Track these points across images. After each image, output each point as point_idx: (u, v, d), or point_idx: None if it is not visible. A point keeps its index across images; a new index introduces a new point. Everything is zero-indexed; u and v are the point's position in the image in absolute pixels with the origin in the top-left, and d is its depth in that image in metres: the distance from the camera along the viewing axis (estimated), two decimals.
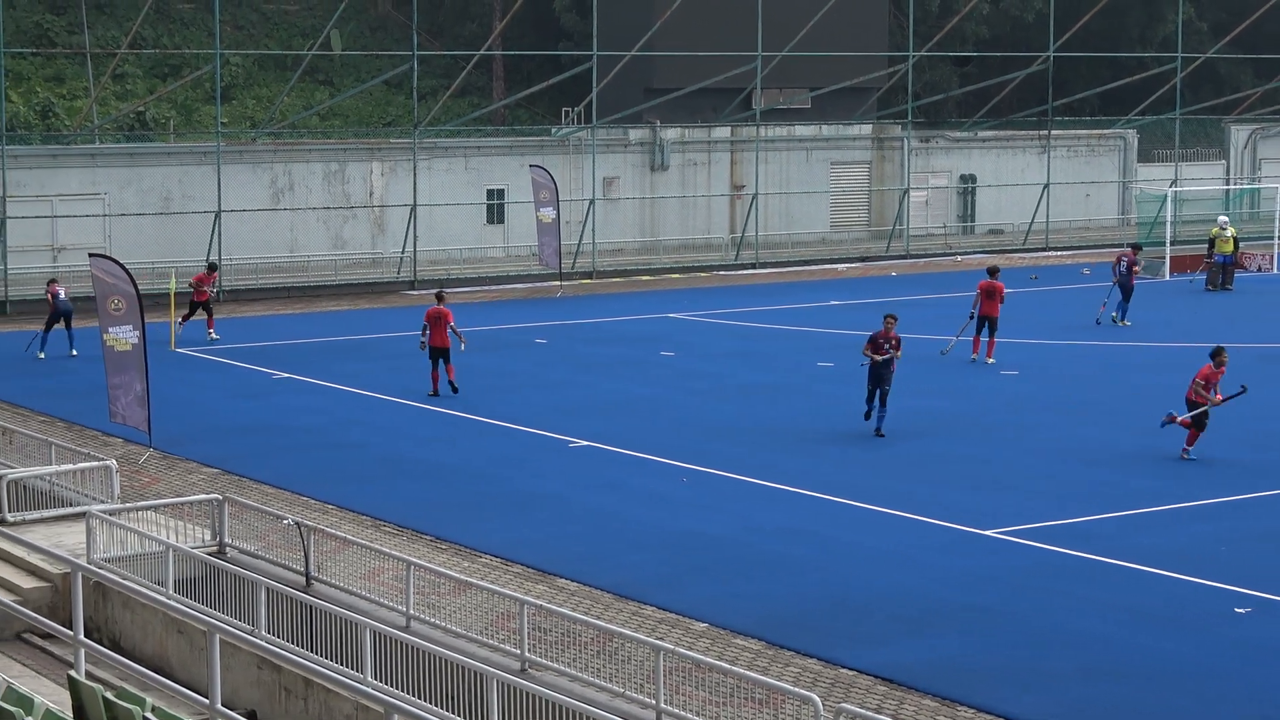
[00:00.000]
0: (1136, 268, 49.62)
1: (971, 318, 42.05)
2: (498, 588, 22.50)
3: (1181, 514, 27.96)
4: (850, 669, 20.72)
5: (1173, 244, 59.91)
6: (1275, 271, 60.97)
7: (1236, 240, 57.69)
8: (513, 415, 35.93)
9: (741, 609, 23.01)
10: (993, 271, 43.15)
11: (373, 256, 60.62)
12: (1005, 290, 42.05)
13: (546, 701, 18.25)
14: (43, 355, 43.52)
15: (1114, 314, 48.68)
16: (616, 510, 28.38)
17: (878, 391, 34.03)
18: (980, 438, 33.66)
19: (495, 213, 62.85)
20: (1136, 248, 51.62)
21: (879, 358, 34.00)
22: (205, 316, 45.99)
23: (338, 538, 24.79)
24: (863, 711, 17.64)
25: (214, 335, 45.92)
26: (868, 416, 34.20)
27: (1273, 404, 36.28)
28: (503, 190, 62.61)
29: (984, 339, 41.96)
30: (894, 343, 34.44)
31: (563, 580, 24.49)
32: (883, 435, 33.56)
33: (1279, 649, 21.40)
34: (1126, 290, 48.92)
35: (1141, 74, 75.80)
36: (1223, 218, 59.03)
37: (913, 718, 19.05)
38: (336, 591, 23.46)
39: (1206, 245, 58.41)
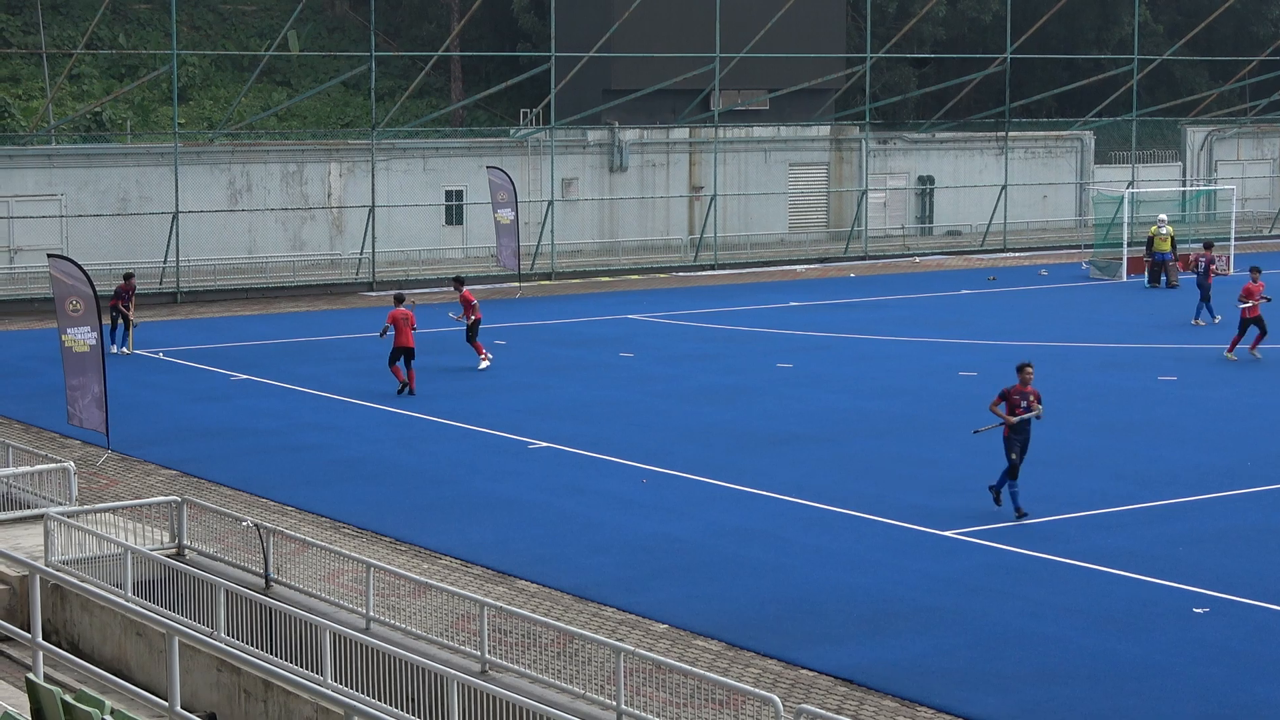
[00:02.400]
0: (1214, 267, 50.66)
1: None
2: (458, 589, 22.48)
3: (1139, 515, 28.04)
4: (810, 670, 20.76)
5: (1130, 245, 60.11)
6: (1232, 272, 61.16)
7: (1174, 239, 57.96)
8: (472, 417, 35.91)
9: (702, 610, 23.03)
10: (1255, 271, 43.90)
11: (331, 258, 60.53)
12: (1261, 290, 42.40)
13: (507, 703, 18.22)
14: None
15: (1196, 318, 49.51)
16: (576, 512, 28.38)
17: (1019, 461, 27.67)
18: (938, 439, 33.72)
19: (454, 214, 62.82)
20: (1209, 245, 52.49)
21: (1014, 419, 27.93)
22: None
23: (297, 540, 24.73)
24: (822, 712, 17.64)
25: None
26: (998, 500, 27.82)
27: (1228, 405, 36.46)
28: (461, 191, 62.57)
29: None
30: (1033, 398, 28.27)
31: (522, 582, 24.49)
32: (1025, 515, 27.55)
33: (1236, 649, 21.49)
34: (1204, 290, 49.61)
35: (1098, 76, 76.09)
36: (1161, 216, 59.33)
37: (872, 718, 19.07)
38: (296, 593, 23.40)
39: (1145, 244, 58.73)
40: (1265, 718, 19.26)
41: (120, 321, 44.04)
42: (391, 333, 38.21)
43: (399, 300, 39.31)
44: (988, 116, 73.82)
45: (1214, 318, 49.15)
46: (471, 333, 41.62)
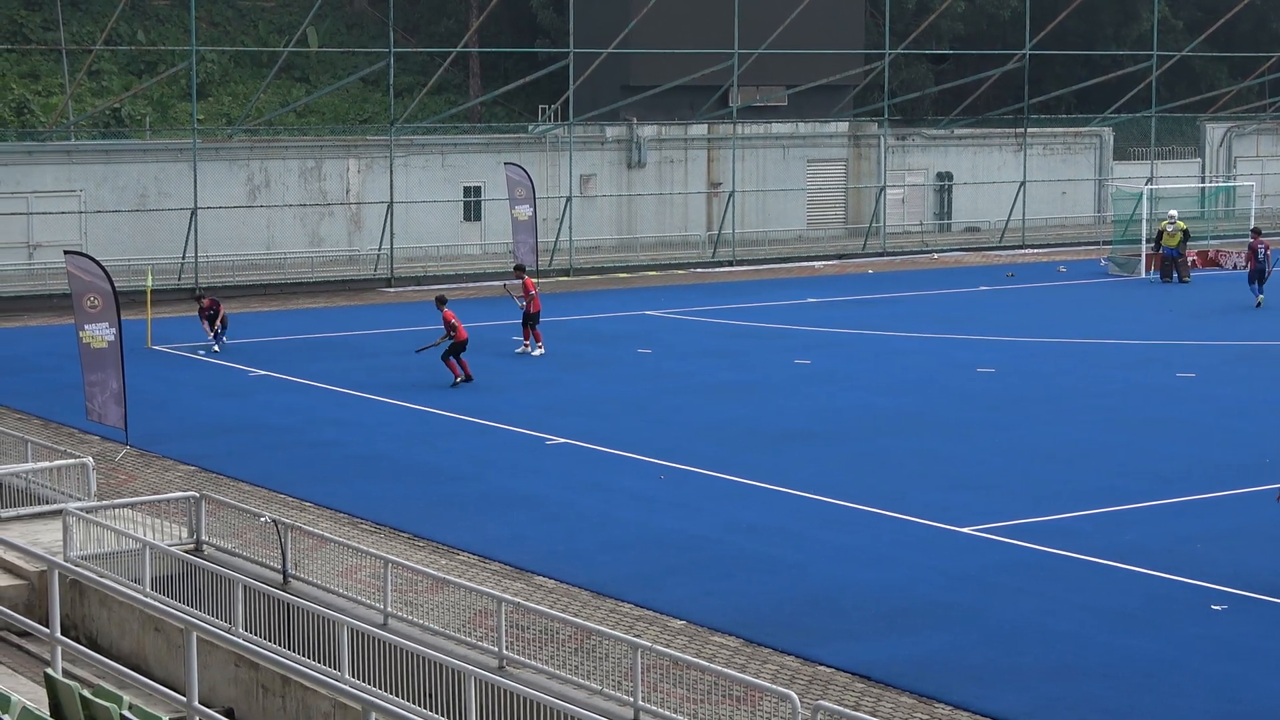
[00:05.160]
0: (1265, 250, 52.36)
1: None
2: (475, 585, 22.51)
3: (1157, 511, 28.01)
4: (828, 666, 20.73)
5: (1148, 242, 60.02)
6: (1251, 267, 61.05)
7: (1186, 233, 57.91)
8: (490, 413, 35.93)
9: (719, 606, 23.02)
10: None
11: (349, 254, 60.58)
12: None
13: (524, 699, 18.26)
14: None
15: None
16: (594, 508, 28.39)
17: None
18: (957, 435, 33.69)
19: (472, 210, 62.84)
20: (1257, 232, 54.11)
21: None
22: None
23: (315, 535, 24.78)
24: (840, 708, 17.66)
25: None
26: None
27: (1246, 402, 36.40)
28: (479, 188, 62.60)
29: None
30: None
31: (540, 578, 24.49)
32: None
33: (1254, 646, 21.46)
34: (1260, 274, 51.57)
35: (1117, 72, 75.97)
36: (1172, 211, 59.30)
37: (890, 715, 19.07)
38: (314, 589, 23.45)
39: (1155, 239, 58.70)
40: (1276, 712, 19.22)
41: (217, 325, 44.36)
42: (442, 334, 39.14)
43: (443, 301, 40.17)
44: (1006, 113, 73.70)
45: (1258, 298, 51.33)
46: (531, 320, 43.13)
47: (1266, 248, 52.14)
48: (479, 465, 31.49)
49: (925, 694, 19.80)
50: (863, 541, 26.30)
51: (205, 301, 44.45)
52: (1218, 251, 62.07)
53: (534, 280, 44.28)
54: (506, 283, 45.34)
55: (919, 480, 29.83)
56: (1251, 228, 57.68)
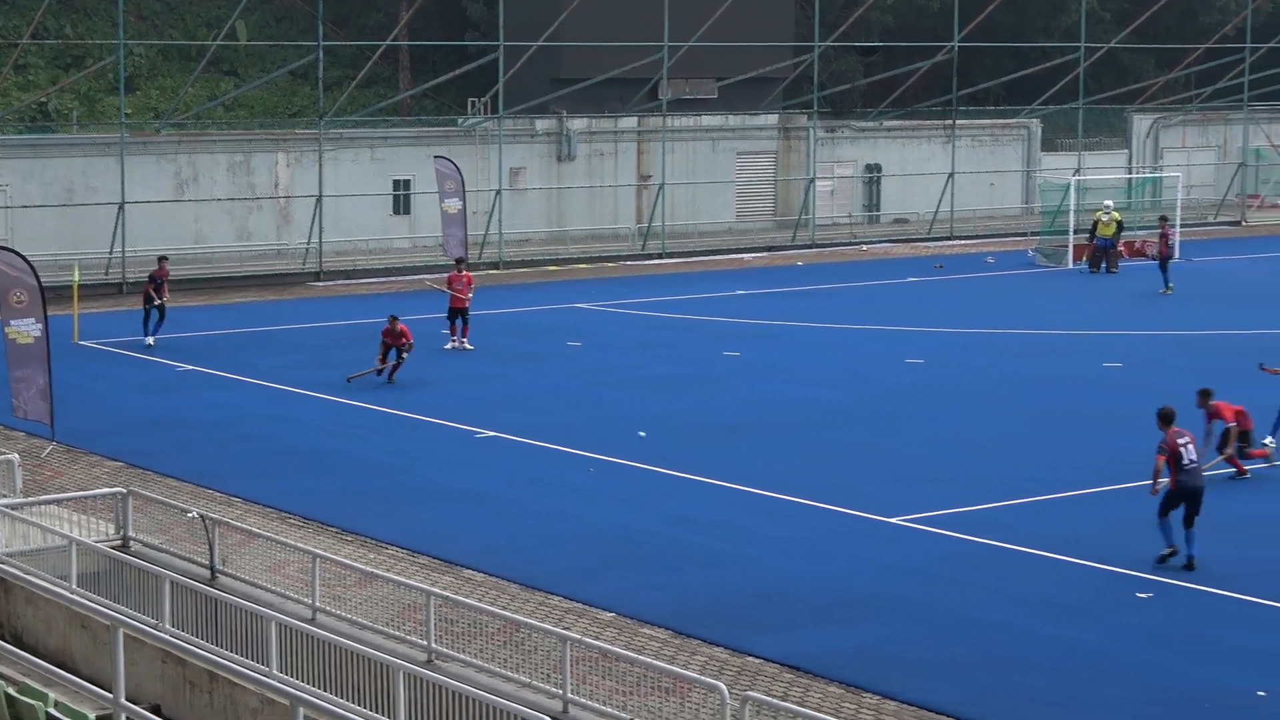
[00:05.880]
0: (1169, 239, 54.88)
1: None
2: (404, 579, 22.49)
3: (1086, 501, 28.21)
4: (757, 657, 20.81)
5: (1076, 232, 60.32)
6: (1178, 258, 61.43)
7: (1120, 224, 58.33)
8: (420, 407, 35.87)
9: (649, 599, 23.07)
10: None
11: (278, 248, 60.30)
12: None
13: (453, 693, 18.23)
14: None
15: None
16: (525, 501, 28.37)
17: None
18: (889, 427, 33.80)
19: (401, 203, 62.65)
20: (1164, 219, 56.74)
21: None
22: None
23: (243, 531, 24.70)
24: (769, 699, 17.76)
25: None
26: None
27: (1174, 392, 36.55)
28: (409, 181, 62.40)
29: None
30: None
31: (469, 571, 24.48)
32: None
33: (1180, 634, 21.66)
34: (1163, 261, 53.62)
35: (1045, 64, 76.22)
36: (1107, 201, 59.69)
37: (818, 705, 19.11)
38: (242, 585, 23.36)
39: (1090, 229, 59.11)
40: (1207, 701, 19.39)
41: (152, 308, 43.76)
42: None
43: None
44: (935, 105, 73.92)
45: (1168, 286, 52.47)
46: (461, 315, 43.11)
47: (1169, 236, 53.83)
48: (408, 459, 31.43)
49: (856, 684, 19.91)
50: (797, 534, 26.36)
51: (159, 271, 44.13)
52: (1144, 242, 62.39)
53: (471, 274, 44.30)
54: (431, 279, 44.98)
55: (853, 472, 29.92)
56: (1159, 216, 58.57)
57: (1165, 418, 25.05)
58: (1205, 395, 29.04)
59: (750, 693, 17.86)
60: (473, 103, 66.63)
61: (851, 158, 72.50)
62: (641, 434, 30.42)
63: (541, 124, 65.56)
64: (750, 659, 20.76)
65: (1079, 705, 19.30)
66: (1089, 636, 21.54)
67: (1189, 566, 24.18)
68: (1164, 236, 55.54)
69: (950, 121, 73.02)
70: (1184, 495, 24.50)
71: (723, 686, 17.54)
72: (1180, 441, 24.64)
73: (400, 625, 21.53)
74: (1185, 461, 24.60)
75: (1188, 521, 24.47)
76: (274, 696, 18.66)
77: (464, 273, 43.78)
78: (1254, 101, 79.16)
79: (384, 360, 38.48)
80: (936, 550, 25.53)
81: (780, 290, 54.67)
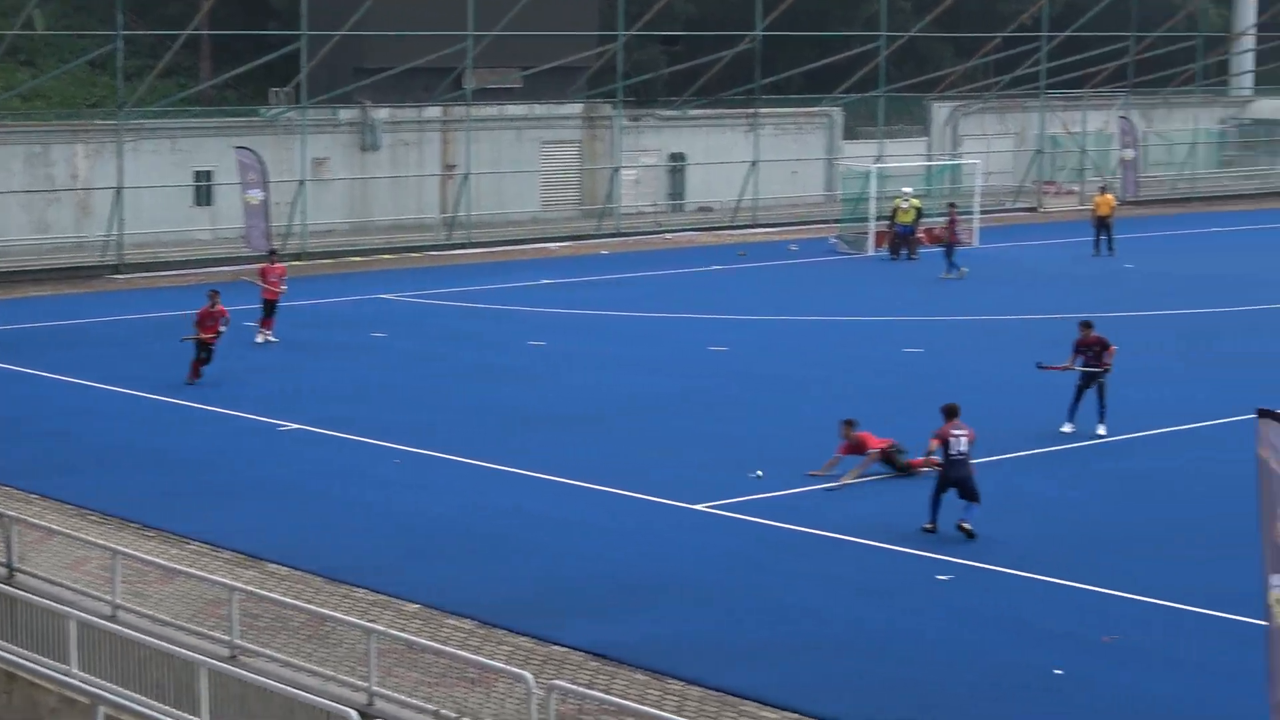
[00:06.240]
0: (957, 225, 56.16)
1: None
2: (206, 574, 22.33)
3: (887, 485, 28.58)
4: (563, 646, 20.86)
5: (877, 220, 60.99)
6: (976, 244, 62.37)
7: (919, 211, 59.11)
8: (223, 401, 35.53)
9: (454, 590, 23.05)
10: None
11: (77, 240, 59.39)
12: None
13: (257, 688, 18.15)
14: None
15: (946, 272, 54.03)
16: (329, 494, 28.24)
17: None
18: (693, 414, 33.99)
19: (203, 195, 61.98)
20: (953, 206, 57.76)
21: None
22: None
23: (41, 528, 24.38)
24: (575, 687, 17.84)
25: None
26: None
27: (973, 376, 37.13)
28: (210, 172, 61.72)
29: None
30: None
31: (273, 565, 24.33)
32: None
33: (980, 614, 22.02)
34: (950, 247, 54.57)
35: (846, 52, 77.01)
36: (906, 188, 60.51)
37: (624, 692, 19.18)
38: (40, 583, 23.05)
39: (889, 216, 59.89)
40: (1005, 679, 19.74)
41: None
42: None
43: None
44: (738, 94, 74.37)
45: (960, 270, 53.53)
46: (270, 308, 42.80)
47: (956, 222, 55.55)
48: (211, 454, 31.15)
49: (661, 671, 20.00)
50: (602, 522, 26.48)
51: None
52: (943, 228, 63.20)
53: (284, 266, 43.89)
54: (248, 273, 44.48)
55: (657, 459, 30.06)
56: (948, 202, 59.57)
57: (948, 413, 26.14)
58: (850, 424, 29.18)
59: (556, 681, 17.94)
60: (275, 93, 66.05)
61: (656, 147, 72.77)
62: (397, 461, 30.33)
63: (345, 114, 65.16)
64: (556, 648, 20.82)
65: (881, 687, 19.54)
66: (891, 618, 21.84)
67: (965, 531, 25.19)
68: (952, 222, 56.30)
69: (753, 110, 73.52)
70: (950, 482, 25.59)
71: (529, 676, 17.60)
72: (954, 433, 25.67)
73: (203, 621, 21.37)
74: (953, 451, 25.61)
75: (968, 497, 25.44)
76: (74, 695, 18.47)
77: (276, 264, 43.48)
78: (1050, 89, 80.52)
79: (202, 346, 37.77)
80: (741, 536, 25.75)
81: (586, 279, 54.80)
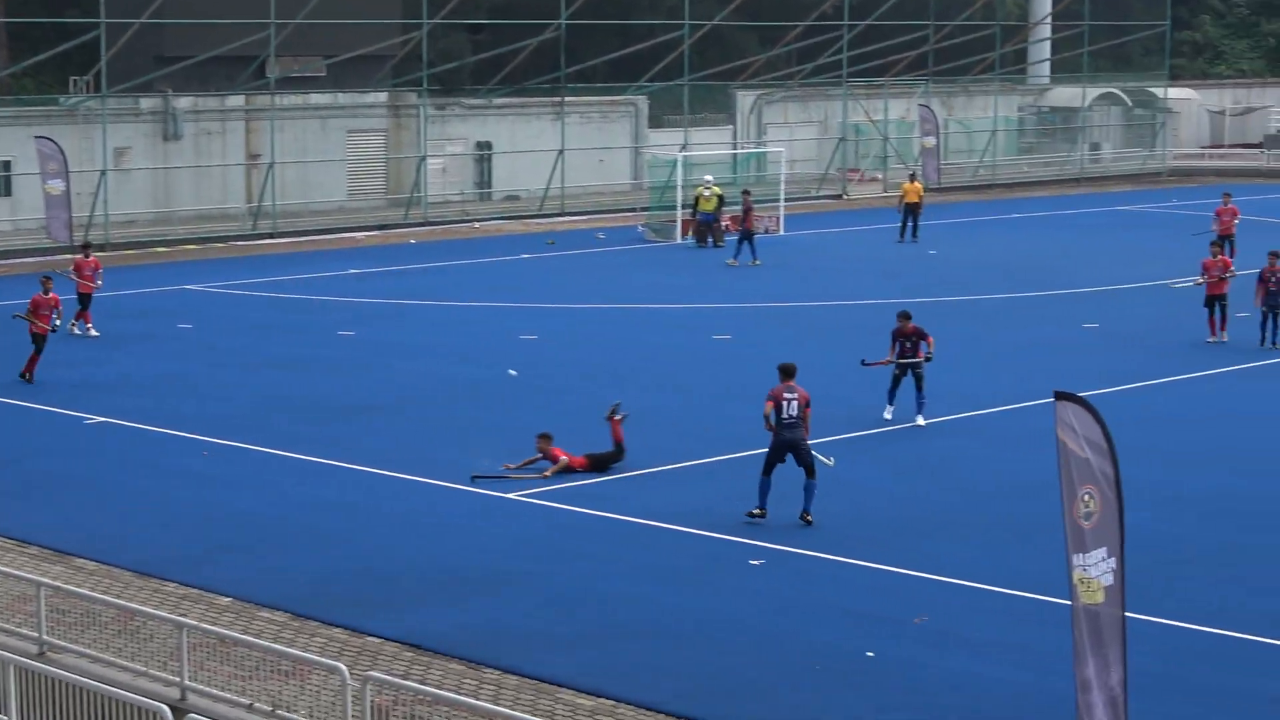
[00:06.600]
0: (752, 212, 56.33)
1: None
2: (12, 570, 22.00)
3: (701, 471, 28.79)
4: (377, 637, 20.84)
5: (683, 208, 61.32)
6: (782, 232, 62.98)
7: (721, 198, 59.51)
8: (24, 394, 35.03)
9: (268, 582, 22.93)
10: None
11: None
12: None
13: (67, 684, 17.95)
14: None
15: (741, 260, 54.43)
16: (138, 487, 27.95)
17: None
18: (505, 403, 34.02)
19: (2, 185, 61.00)
20: (746, 193, 58.01)
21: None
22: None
23: None
24: (390, 678, 17.82)
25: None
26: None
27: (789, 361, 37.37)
28: (9, 162, 60.74)
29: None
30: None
31: (81, 560, 24.03)
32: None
33: (792, 598, 22.25)
34: (746, 233, 54.98)
35: (651, 41, 77.36)
36: (707, 177, 60.95)
37: (440, 682, 19.21)
38: None
39: (692, 205, 60.30)
40: (818, 663, 19.96)
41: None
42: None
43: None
44: (544, 82, 74.45)
45: (746, 261, 54.00)
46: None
47: (748, 209, 56.14)
48: (14, 448, 30.67)
49: (477, 660, 20.03)
50: (414, 512, 26.46)
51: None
52: (753, 215, 63.66)
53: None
54: (58, 268, 43.72)
55: (468, 449, 30.02)
56: (742, 190, 60.07)
57: (785, 372, 25.95)
58: (546, 439, 29.01)
59: (371, 673, 17.91)
60: (75, 81, 65.16)
61: (462, 135, 72.65)
62: (205, 453, 30.10)
63: (146, 103, 64.39)
64: (370, 639, 20.78)
65: (696, 672, 19.69)
66: (704, 603, 22.01)
67: (805, 520, 25.28)
68: (747, 210, 56.48)
69: (559, 99, 73.62)
70: (783, 447, 25.47)
71: (343, 667, 17.53)
72: (786, 395, 25.51)
73: (10, 618, 21.06)
74: (785, 415, 25.49)
75: (809, 472, 25.46)
76: None
77: (90, 257, 42.85)
78: (852, 78, 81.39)
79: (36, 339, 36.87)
80: (554, 524, 25.83)
81: (394, 268, 54.63)
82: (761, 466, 25.68)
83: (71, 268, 42.86)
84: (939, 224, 64.45)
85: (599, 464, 28.63)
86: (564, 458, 28.38)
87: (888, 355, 32.10)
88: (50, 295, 36.98)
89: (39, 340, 36.44)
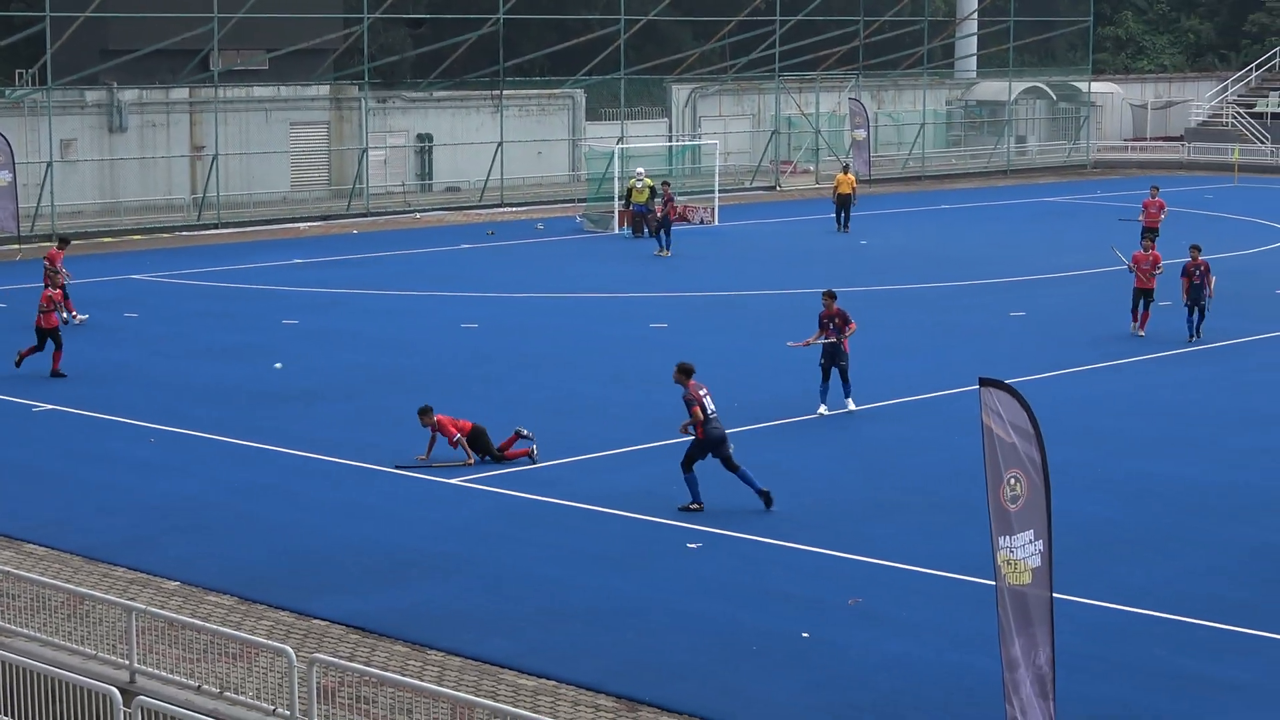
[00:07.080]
0: (672, 203, 57.45)
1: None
2: None
3: (639, 456, 29.17)
4: (322, 619, 21.14)
5: (620, 199, 61.77)
6: (716, 223, 63.52)
7: (653, 190, 59.89)
8: None
9: (214, 566, 23.20)
10: None
11: None
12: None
13: (18, 668, 18.17)
14: None
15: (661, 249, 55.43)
16: (86, 474, 28.18)
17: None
18: (446, 390, 34.23)
19: None
20: (666, 184, 58.75)
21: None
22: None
23: None
24: (336, 660, 18.10)
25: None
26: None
27: (718, 351, 37.82)
28: None
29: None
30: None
31: (31, 545, 24.27)
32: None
33: (729, 582, 22.56)
34: (665, 222, 55.98)
35: (588, 35, 77.75)
36: (640, 169, 61.41)
37: (385, 664, 19.52)
38: None
39: (625, 196, 60.79)
40: (755, 645, 20.34)
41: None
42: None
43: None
44: (483, 75, 74.78)
45: (665, 250, 55.05)
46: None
47: (669, 199, 57.14)
48: None
49: (419, 642, 20.33)
50: (359, 497, 26.75)
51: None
52: (685, 207, 64.22)
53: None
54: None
55: (412, 436, 30.28)
56: (662, 181, 60.54)
57: (685, 371, 26.11)
58: (426, 412, 29.08)
59: (317, 655, 18.11)
60: (20, 74, 65.21)
61: (403, 127, 72.97)
62: (152, 440, 30.40)
63: (91, 95, 64.54)
64: (316, 621, 21.09)
65: (634, 654, 20.02)
66: (643, 586, 22.36)
67: (767, 502, 25.73)
68: (668, 200, 57.12)
69: (498, 92, 73.96)
70: (710, 444, 25.72)
71: (290, 650, 17.78)
72: (701, 393, 25.77)
73: None
74: (709, 412, 25.76)
75: (730, 467, 25.76)
76: None
77: (62, 249, 42.93)
78: (785, 71, 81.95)
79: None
80: (490, 508, 26.13)
81: (337, 259, 54.93)
82: (682, 463, 26.00)
83: (59, 264, 42.24)
84: (870, 215, 65.09)
85: (476, 438, 28.83)
86: (455, 432, 28.59)
87: (813, 337, 32.44)
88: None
89: (54, 335, 36.66)
